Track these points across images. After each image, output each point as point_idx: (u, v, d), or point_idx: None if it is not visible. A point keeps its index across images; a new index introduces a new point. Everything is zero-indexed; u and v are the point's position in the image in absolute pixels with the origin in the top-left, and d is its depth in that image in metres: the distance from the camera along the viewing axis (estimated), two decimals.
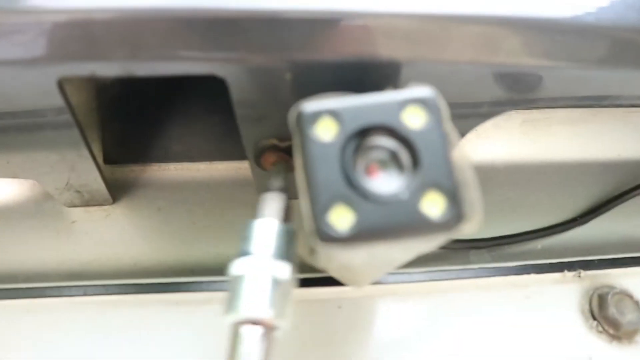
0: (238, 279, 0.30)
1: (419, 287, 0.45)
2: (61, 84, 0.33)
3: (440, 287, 0.46)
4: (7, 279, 0.45)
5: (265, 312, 0.29)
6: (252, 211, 0.48)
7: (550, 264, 0.48)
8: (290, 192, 0.34)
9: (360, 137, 0.26)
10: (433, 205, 0.25)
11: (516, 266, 0.47)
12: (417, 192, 0.25)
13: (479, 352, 0.43)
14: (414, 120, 0.26)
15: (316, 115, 0.26)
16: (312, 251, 0.28)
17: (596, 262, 0.48)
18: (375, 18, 0.31)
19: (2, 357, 0.41)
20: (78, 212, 0.49)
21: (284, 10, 0.30)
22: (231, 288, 0.30)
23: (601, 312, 0.45)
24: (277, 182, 0.35)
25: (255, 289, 0.29)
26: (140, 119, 0.52)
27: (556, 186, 0.54)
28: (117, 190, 0.49)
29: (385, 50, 0.32)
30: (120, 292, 0.43)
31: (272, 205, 0.33)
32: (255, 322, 0.29)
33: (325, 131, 0.26)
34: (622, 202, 0.52)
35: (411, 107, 0.26)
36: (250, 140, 0.39)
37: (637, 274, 0.47)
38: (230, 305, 0.29)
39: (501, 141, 0.54)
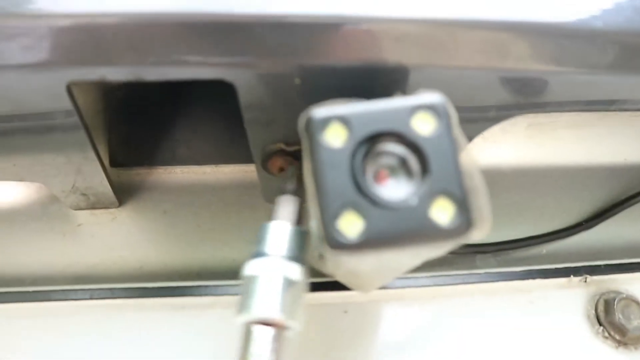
0: (251, 279, 0.30)
1: (424, 292, 0.45)
2: (70, 88, 0.33)
3: (445, 292, 0.46)
4: (13, 282, 0.45)
5: (277, 313, 0.29)
6: (258, 214, 0.48)
7: (556, 268, 0.47)
8: (303, 196, 0.34)
9: (369, 143, 0.26)
10: (442, 212, 0.25)
11: (521, 271, 0.47)
12: (427, 198, 0.25)
13: (484, 357, 0.43)
14: (423, 126, 0.26)
15: (326, 121, 0.26)
16: (320, 256, 0.28)
17: (602, 267, 0.48)
18: (384, 23, 0.32)
19: None
20: (84, 215, 0.49)
21: (293, 15, 0.30)
22: (244, 288, 0.30)
23: (607, 317, 0.44)
24: (291, 185, 0.36)
25: (267, 290, 0.30)
26: (146, 121, 0.52)
27: (562, 190, 0.53)
28: (123, 193, 0.49)
29: (394, 55, 0.32)
30: (126, 296, 0.43)
31: (286, 208, 0.34)
32: (267, 323, 0.29)
33: (335, 137, 0.26)
34: (628, 206, 0.52)
35: (421, 113, 0.26)
36: (257, 145, 0.39)
37: None
38: (243, 305, 0.30)
39: (507, 145, 0.54)
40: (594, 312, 0.45)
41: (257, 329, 0.29)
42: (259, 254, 0.31)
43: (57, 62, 0.31)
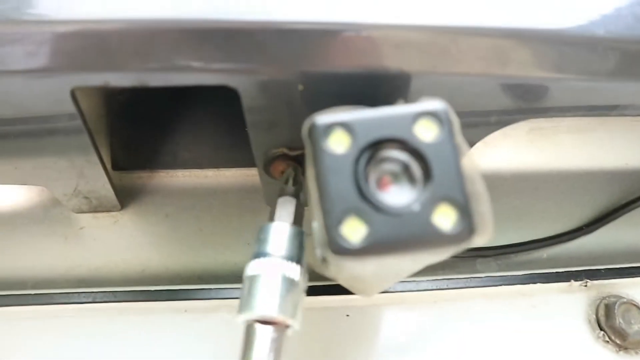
0: (252, 279, 0.31)
1: (425, 296, 0.46)
2: (73, 92, 0.34)
3: (447, 296, 0.46)
4: (15, 286, 0.45)
5: (278, 312, 0.30)
6: (260, 218, 0.48)
7: (557, 273, 0.48)
8: (304, 198, 0.35)
9: (372, 149, 0.26)
10: (444, 218, 0.25)
11: (522, 275, 0.47)
12: (429, 204, 0.25)
13: None
14: (426, 133, 0.26)
15: (329, 128, 0.26)
16: (322, 260, 0.29)
17: (603, 271, 0.48)
18: (386, 30, 0.32)
19: None
20: (86, 218, 0.49)
21: (297, 22, 0.31)
22: (245, 288, 0.31)
23: (608, 322, 0.45)
24: (290, 186, 0.36)
25: (268, 289, 0.30)
26: (148, 125, 0.52)
27: (563, 195, 0.54)
28: (125, 197, 0.50)
29: (396, 62, 0.33)
30: (128, 299, 0.44)
31: (286, 209, 0.34)
32: (268, 321, 0.30)
33: (338, 143, 0.26)
34: (629, 211, 0.52)
35: (423, 120, 0.26)
36: (260, 149, 0.39)
37: None
38: (244, 304, 0.30)
39: (508, 149, 0.54)
40: (594, 316, 0.45)
41: (258, 327, 0.30)
42: (259, 254, 0.32)
43: (62, 68, 0.31)
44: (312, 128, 0.26)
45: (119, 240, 0.48)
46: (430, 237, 0.25)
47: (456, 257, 0.48)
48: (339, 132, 0.26)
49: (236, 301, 0.31)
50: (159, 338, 0.42)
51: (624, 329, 0.43)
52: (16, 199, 0.49)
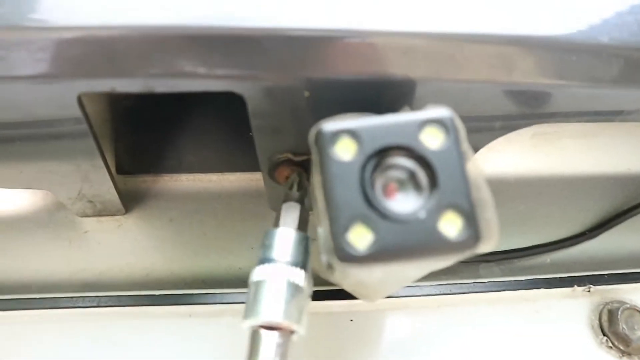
0: (257, 285, 0.31)
1: (429, 301, 0.46)
2: (80, 98, 0.34)
3: (450, 301, 0.46)
4: (20, 289, 0.45)
5: (284, 317, 0.30)
6: (264, 223, 0.49)
7: (560, 278, 0.48)
8: (308, 204, 0.35)
9: (379, 156, 0.26)
10: (450, 225, 0.26)
11: (526, 280, 0.47)
12: (435, 212, 0.26)
13: None
14: (432, 140, 0.26)
15: (336, 135, 0.26)
16: (327, 267, 0.29)
17: (606, 276, 0.48)
18: (392, 37, 0.32)
19: None
20: (90, 222, 0.49)
21: (303, 29, 0.31)
22: (250, 294, 0.31)
23: (611, 327, 0.45)
24: (295, 192, 0.37)
25: (273, 295, 0.31)
26: (153, 129, 0.52)
27: (566, 200, 0.54)
28: (129, 201, 0.50)
29: (401, 69, 0.33)
30: (132, 304, 0.44)
31: (291, 214, 0.35)
32: (273, 327, 0.30)
33: (345, 151, 0.26)
34: (632, 216, 0.52)
35: (429, 127, 0.27)
36: (265, 154, 0.39)
37: None
38: (250, 310, 0.31)
39: (512, 154, 0.55)
40: (597, 322, 0.45)
41: (264, 333, 0.30)
42: (264, 259, 0.32)
43: (70, 74, 0.31)
44: (319, 135, 0.27)
45: (123, 244, 0.48)
46: (436, 245, 0.25)
47: (459, 263, 0.48)
48: (345, 139, 0.26)
49: (241, 306, 0.32)
50: (163, 343, 0.43)
51: (627, 335, 0.44)
52: (21, 203, 0.49)
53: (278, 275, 0.31)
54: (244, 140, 0.40)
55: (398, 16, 0.32)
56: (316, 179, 0.27)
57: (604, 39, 0.34)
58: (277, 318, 0.30)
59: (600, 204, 0.54)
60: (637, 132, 0.56)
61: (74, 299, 0.44)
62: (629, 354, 0.44)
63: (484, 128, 0.39)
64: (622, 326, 0.44)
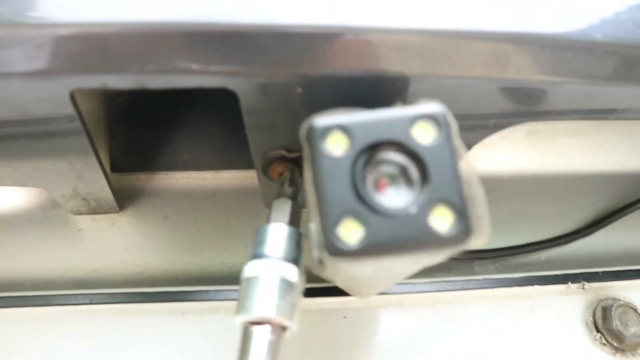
0: (249, 281, 0.31)
1: (423, 298, 0.46)
2: (73, 95, 0.34)
3: (444, 298, 0.46)
4: (13, 287, 0.45)
5: (275, 313, 0.30)
6: (258, 220, 0.49)
7: (554, 275, 0.48)
8: (301, 200, 0.35)
9: (370, 151, 0.26)
10: (441, 220, 0.26)
11: (520, 277, 0.47)
12: (426, 206, 0.26)
13: None
14: (423, 135, 0.26)
15: (327, 130, 0.26)
16: (319, 262, 0.29)
17: (600, 274, 0.48)
18: (385, 34, 0.32)
19: None
20: (84, 220, 0.49)
21: (296, 25, 0.31)
22: (242, 290, 0.31)
23: (605, 324, 0.45)
24: (288, 188, 0.37)
25: (265, 290, 0.31)
26: (147, 127, 0.52)
27: (561, 198, 0.54)
28: (123, 199, 0.50)
29: (395, 65, 0.33)
30: (127, 301, 0.44)
31: (283, 210, 0.34)
32: (265, 322, 0.30)
33: (336, 146, 0.26)
34: (627, 214, 0.52)
35: (421, 122, 0.27)
36: (258, 151, 0.39)
37: None
38: (242, 306, 0.31)
39: (506, 152, 0.55)
40: (591, 318, 0.45)
41: (255, 329, 0.30)
42: (256, 255, 0.32)
43: (61, 70, 0.31)
44: (310, 130, 0.27)
45: (117, 242, 0.48)
46: (427, 239, 0.25)
47: (454, 260, 0.48)
48: (336, 134, 0.26)
49: (234, 302, 0.31)
50: (156, 339, 0.43)
51: (621, 332, 0.44)
52: (15, 201, 0.49)
53: (270, 270, 0.31)
54: (238, 138, 0.40)
55: (391, 13, 0.32)
56: (308, 174, 0.27)
57: (599, 36, 0.34)
58: (269, 314, 0.30)
59: (594, 201, 0.54)
60: (631, 131, 0.56)
61: (67, 296, 0.44)
62: (622, 351, 0.44)
63: (477, 125, 0.39)
64: (616, 323, 0.44)
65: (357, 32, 0.31)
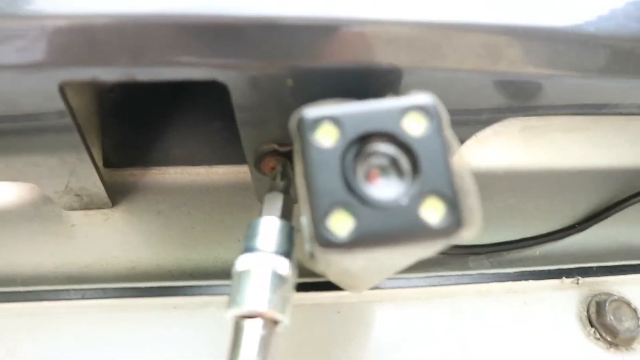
0: (240, 274, 0.31)
1: (417, 293, 0.46)
2: (62, 88, 0.33)
3: (438, 293, 0.46)
4: (5, 282, 0.45)
5: (267, 307, 0.30)
6: (252, 215, 0.48)
7: (549, 270, 0.48)
8: (294, 194, 0.35)
9: (360, 143, 0.26)
10: (432, 212, 0.25)
11: (514, 272, 0.47)
12: (417, 198, 0.25)
13: (476, 357, 0.43)
14: (414, 127, 0.26)
15: (317, 121, 0.26)
16: (311, 256, 0.28)
17: (594, 269, 0.48)
18: (377, 25, 0.32)
19: None
20: (77, 216, 0.49)
21: (286, 17, 0.31)
22: (234, 284, 0.31)
23: (599, 319, 0.45)
24: (280, 182, 0.36)
25: (256, 284, 0.30)
26: (140, 122, 0.52)
27: (555, 193, 0.54)
28: (116, 194, 0.49)
29: (387, 57, 0.32)
30: (118, 296, 0.43)
31: (275, 204, 0.34)
32: (256, 316, 0.30)
33: (326, 137, 0.26)
34: (621, 209, 0.52)
35: (411, 113, 0.26)
36: (250, 145, 0.39)
37: (635, 282, 0.47)
38: (233, 299, 0.30)
39: (501, 148, 0.55)
40: (585, 313, 0.45)
41: (247, 323, 0.30)
42: (248, 249, 0.32)
43: (49, 62, 0.31)
44: (300, 122, 0.26)
45: (110, 238, 0.48)
46: (418, 231, 0.25)
47: (448, 254, 0.48)
48: (327, 125, 0.26)
49: (226, 297, 0.31)
50: (148, 334, 0.42)
51: (615, 326, 0.44)
52: (7, 196, 0.49)
53: (261, 264, 0.31)
54: (231, 133, 0.40)
55: (384, 4, 0.32)
56: (298, 166, 0.27)
57: (591, 29, 0.34)
58: (260, 307, 0.30)
59: (589, 197, 0.54)
60: (625, 126, 0.56)
61: (59, 291, 0.43)
62: (616, 345, 0.44)
63: (470, 120, 0.39)
64: (610, 318, 0.44)
65: (349, 23, 0.31)
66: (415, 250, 0.27)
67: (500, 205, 0.53)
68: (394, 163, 0.26)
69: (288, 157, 0.38)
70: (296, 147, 0.27)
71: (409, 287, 0.45)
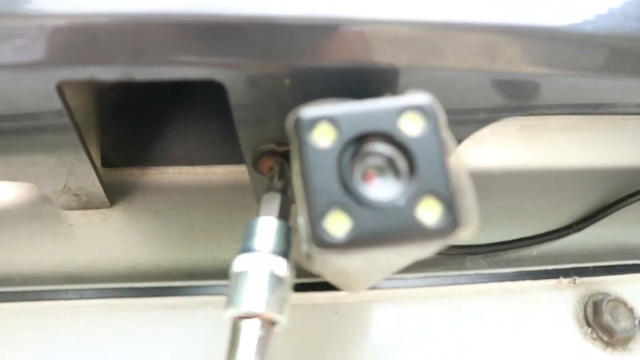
0: (238, 275, 0.31)
1: (415, 293, 0.46)
2: (60, 88, 0.34)
3: (436, 293, 0.46)
4: (3, 282, 0.45)
5: (265, 307, 0.30)
6: (250, 215, 0.48)
7: (546, 270, 0.48)
8: (291, 194, 0.35)
9: (357, 143, 0.26)
10: (429, 212, 0.25)
11: (512, 272, 0.47)
12: (414, 198, 0.25)
13: (474, 357, 0.43)
14: (411, 127, 0.26)
15: (314, 121, 0.26)
16: (308, 256, 0.29)
17: (591, 269, 0.48)
18: (375, 25, 0.32)
19: None
20: (75, 215, 0.49)
21: (284, 16, 0.31)
22: (232, 284, 0.31)
23: (596, 318, 0.45)
24: (278, 182, 0.37)
25: (254, 284, 0.30)
26: (138, 122, 0.52)
27: (553, 193, 0.54)
28: (114, 194, 0.49)
29: (384, 57, 0.33)
30: (117, 296, 0.43)
31: (272, 204, 0.34)
32: (254, 317, 0.30)
33: (323, 137, 0.26)
34: (618, 209, 0.52)
35: (408, 114, 0.26)
36: (248, 145, 0.39)
37: (632, 281, 0.47)
38: (231, 300, 0.30)
39: (499, 147, 0.55)
40: (582, 313, 0.46)
41: (244, 323, 0.30)
42: (245, 249, 0.32)
43: (47, 61, 0.31)
44: (297, 122, 0.26)
45: (108, 237, 0.48)
46: (414, 231, 0.25)
47: (446, 254, 0.48)
48: (323, 125, 0.26)
49: (225, 297, 0.31)
50: (147, 334, 0.42)
51: (612, 326, 0.44)
52: (5, 196, 0.49)
53: (259, 264, 0.31)
54: (230, 132, 0.40)
55: (382, 4, 0.32)
56: (295, 166, 0.27)
57: (589, 28, 0.34)
58: (258, 308, 0.30)
59: (586, 197, 0.54)
60: (623, 126, 0.56)
61: (58, 291, 0.43)
62: (613, 345, 0.44)
63: (468, 119, 0.39)
64: (607, 317, 0.44)
65: (347, 23, 0.31)
66: (412, 251, 0.27)
67: (497, 205, 0.53)
68: (391, 163, 0.27)
69: (286, 157, 0.38)
70: (293, 147, 0.27)
71: (407, 287, 0.45)
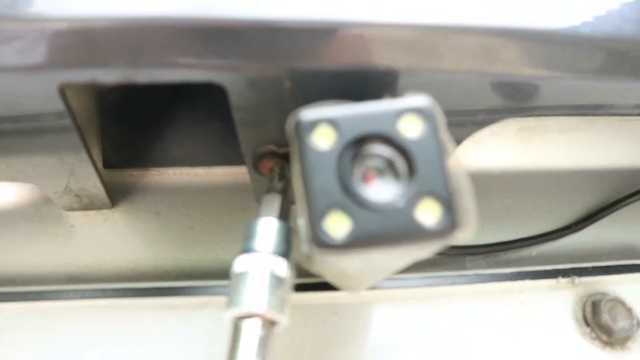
0: (239, 275, 0.31)
1: (414, 293, 0.46)
2: (62, 90, 0.34)
3: (436, 293, 0.46)
4: (5, 282, 0.45)
5: (266, 307, 0.30)
6: (250, 216, 0.49)
7: (545, 270, 0.48)
8: (291, 195, 0.35)
9: (357, 145, 0.27)
10: (428, 213, 0.26)
11: (511, 272, 0.48)
12: (413, 200, 0.26)
13: (473, 357, 0.44)
14: (410, 129, 0.27)
15: (314, 124, 0.26)
16: (308, 257, 0.29)
17: (590, 269, 0.48)
18: (374, 28, 0.32)
19: None
20: (77, 216, 0.49)
21: (284, 19, 0.31)
22: (232, 284, 0.31)
23: (594, 318, 0.45)
24: (278, 183, 0.37)
25: (254, 285, 0.31)
26: (139, 123, 0.52)
27: (552, 193, 0.54)
28: (116, 195, 0.50)
29: (384, 59, 0.33)
30: (118, 296, 0.44)
31: (272, 205, 0.34)
32: (255, 317, 0.30)
33: (323, 139, 0.26)
34: (617, 209, 0.53)
35: (408, 116, 0.27)
36: (248, 146, 0.39)
37: (630, 281, 0.48)
38: (232, 300, 0.31)
39: (498, 148, 0.55)
40: (581, 313, 0.46)
41: (245, 324, 0.30)
42: (245, 250, 0.32)
43: (48, 64, 0.31)
44: (297, 124, 0.27)
45: (109, 238, 0.48)
46: (413, 232, 0.25)
47: (445, 255, 0.48)
48: (323, 127, 0.26)
49: (225, 298, 0.32)
50: (147, 334, 0.43)
51: (610, 326, 0.44)
52: (7, 197, 0.49)
53: (259, 265, 0.31)
54: (230, 134, 0.40)
55: (381, 6, 0.32)
56: (295, 168, 0.27)
57: (587, 30, 0.35)
58: (259, 308, 0.30)
59: (585, 197, 0.54)
60: (622, 127, 0.56)
61: (59, 292, 0.43)
62: (611, 344, 0.44)
63: (467, 120, 0.40)
64: (605, 317, 0.44)
65: (347, 26, 0.31)
66: (411, 252, 0.27)
67: (496, 205, 0.53)
68: (391, 165, 0.27)
69: (286, 158, 0.39)
70: (293, 149, 0.28)
71: (406, 287, 0.46)
